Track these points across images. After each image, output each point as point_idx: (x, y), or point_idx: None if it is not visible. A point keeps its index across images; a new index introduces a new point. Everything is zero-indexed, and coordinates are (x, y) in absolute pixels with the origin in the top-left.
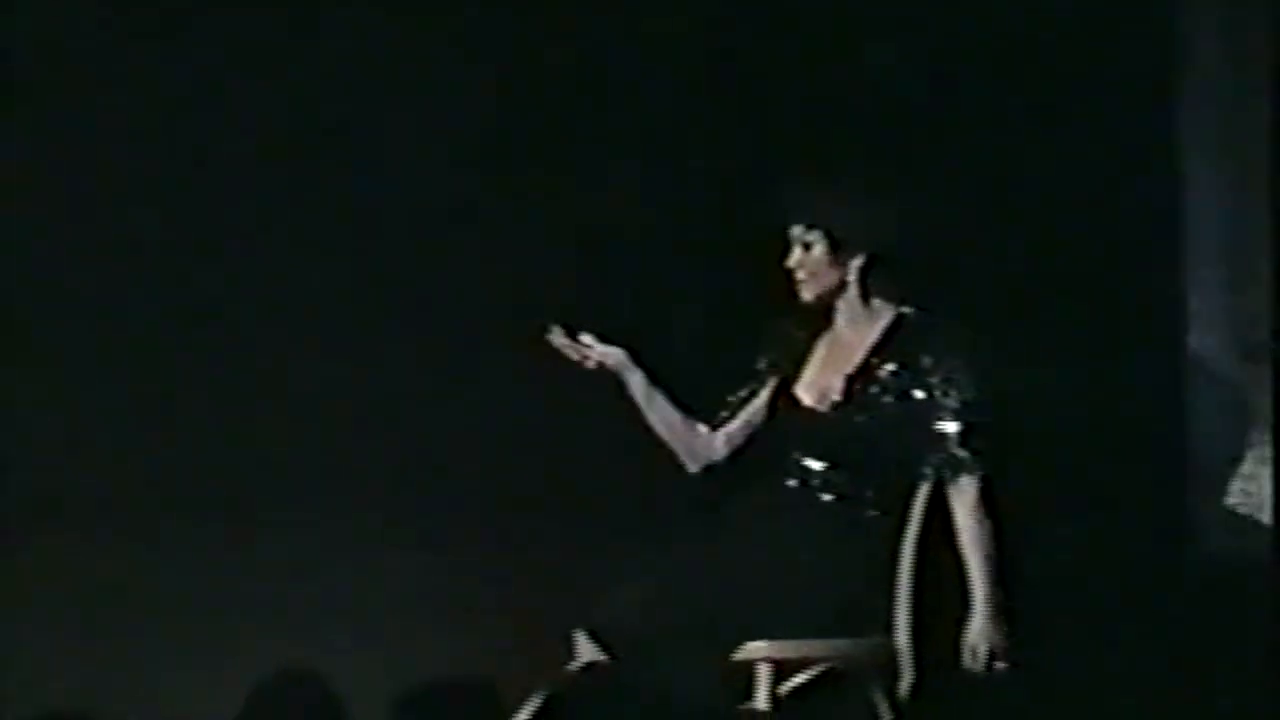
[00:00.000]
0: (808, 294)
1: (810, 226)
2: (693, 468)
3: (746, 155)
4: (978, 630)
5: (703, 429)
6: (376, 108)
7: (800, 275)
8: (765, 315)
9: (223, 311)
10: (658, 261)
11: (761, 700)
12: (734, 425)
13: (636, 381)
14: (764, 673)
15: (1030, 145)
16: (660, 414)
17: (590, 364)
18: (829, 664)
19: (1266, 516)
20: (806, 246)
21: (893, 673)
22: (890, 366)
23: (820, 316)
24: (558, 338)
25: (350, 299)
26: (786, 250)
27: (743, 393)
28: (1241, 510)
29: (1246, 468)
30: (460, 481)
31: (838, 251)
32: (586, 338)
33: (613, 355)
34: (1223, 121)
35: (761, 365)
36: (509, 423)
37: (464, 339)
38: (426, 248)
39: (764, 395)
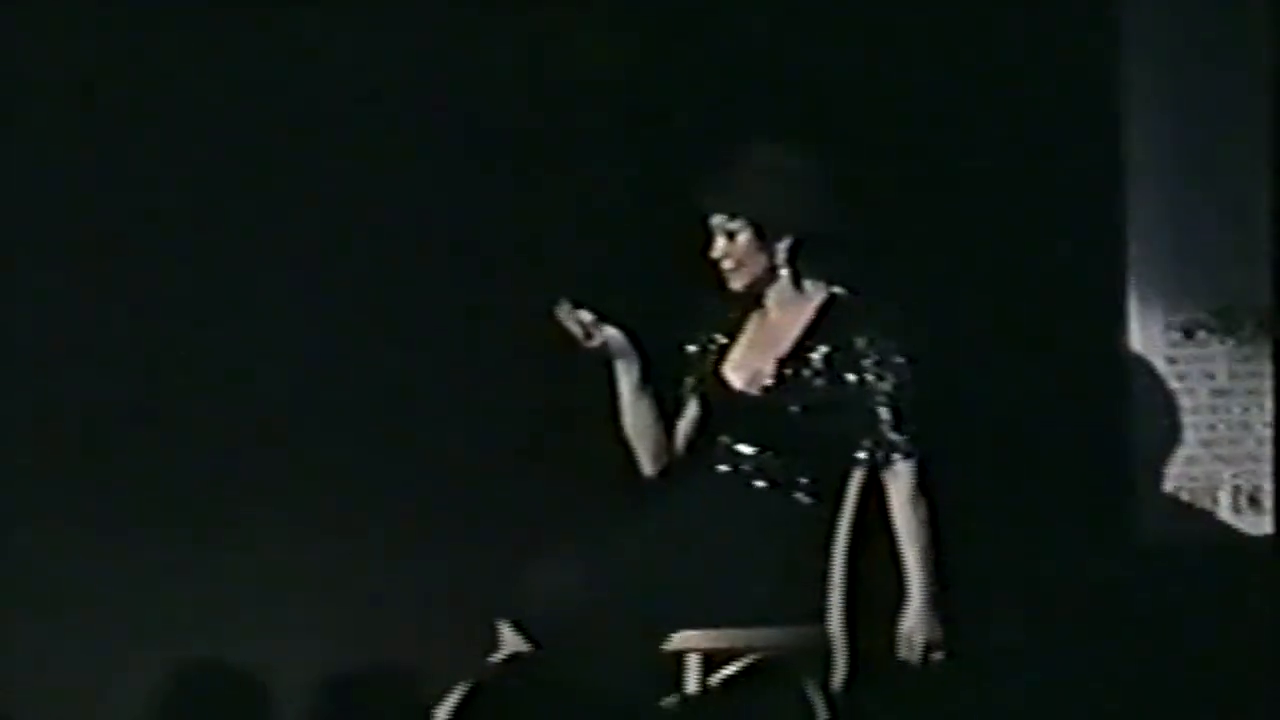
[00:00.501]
0: (737, 283)
1: (733, 215)
2: (649, 471)
3: (665, 144)
4: (913, 620)
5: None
6: (313, 105)
7: (727, 265)
8: (694, 300)
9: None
10: (582, 253)
11: (690, 692)
12: (687, 420)
13: (632, 371)
14: (694, 663)
15: (963, 121)
16: (639, 412)
17: (593, 343)
18: (761, 654)
19: (1223, 500)
20: (730, 235)
21: (826, 663)
22: (823, 349)
23: (751, 300)
24: (564, 311)
25: (273, 289)
26: (710, 241)
27: (691, 381)
28: (1183, 495)
29: (1188, 450)
30: (385, 468)
31: (763, 238)
32: (588, 315)
33: (616, 338)
34: (1164, 100)
35: (692, 349)
36: (434, 409)
37: (387, 325)
38: (353, 236)
39: (693, 380)
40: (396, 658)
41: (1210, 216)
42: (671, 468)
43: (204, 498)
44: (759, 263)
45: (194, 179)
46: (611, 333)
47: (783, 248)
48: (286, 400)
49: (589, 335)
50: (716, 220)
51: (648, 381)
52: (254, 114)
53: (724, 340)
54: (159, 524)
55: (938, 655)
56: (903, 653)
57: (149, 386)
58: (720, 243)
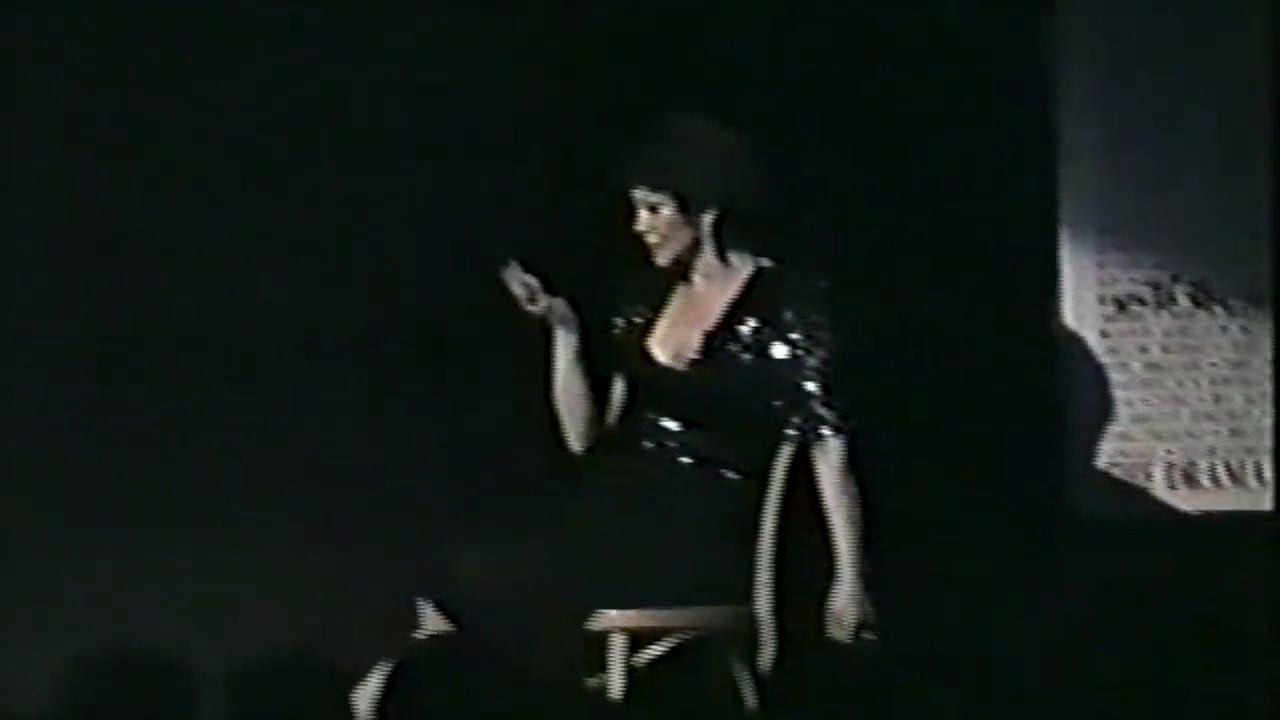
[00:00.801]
0: (662, 258)
1: (655, 188)
2: (576, 447)
3: (586, 116)
4: (843, 598)
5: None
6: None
7: (651, 239)
8: (619, 275)
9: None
10: (504, 228)
11: (616, 672)
12: (614, 396)
13: (571, 342)
14: (618, 643)
15: (892, 93)
16: (571, 386)
17: (536, 309)
18: (687, 634)
19: (1157, 476)
20: (653, 209)
21: (754, 643)
22: (751, 323)
23: (677, 274)
24: (511, 273)
25: (184, 282)
26: (633, 214)
27: (617, 356)
28: (1116, 472)
29: (1121, 426)
30: (306, 445)
31: (687, 210)
32: (535, 280)
33: (560, 306)
34: (1096, 70)
35: (617, 322)
36: (357, 385)
37: (306, 302)
38: (271, 215)
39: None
40: (317, 639)
41: (1145, 188)
42: (598, 444)
43: (130, 486)
44: (683, 236)
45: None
46: (556, 300)
47: (707, 220)
48: (207, 381)
49: (533, 299)
50: (639, 194)
51: (585, 355)
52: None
53: (649, 315)
54: (84, 512)
55: (868, 635)
56: (833, 632)
57: (78, 380)
58: (644, 216)
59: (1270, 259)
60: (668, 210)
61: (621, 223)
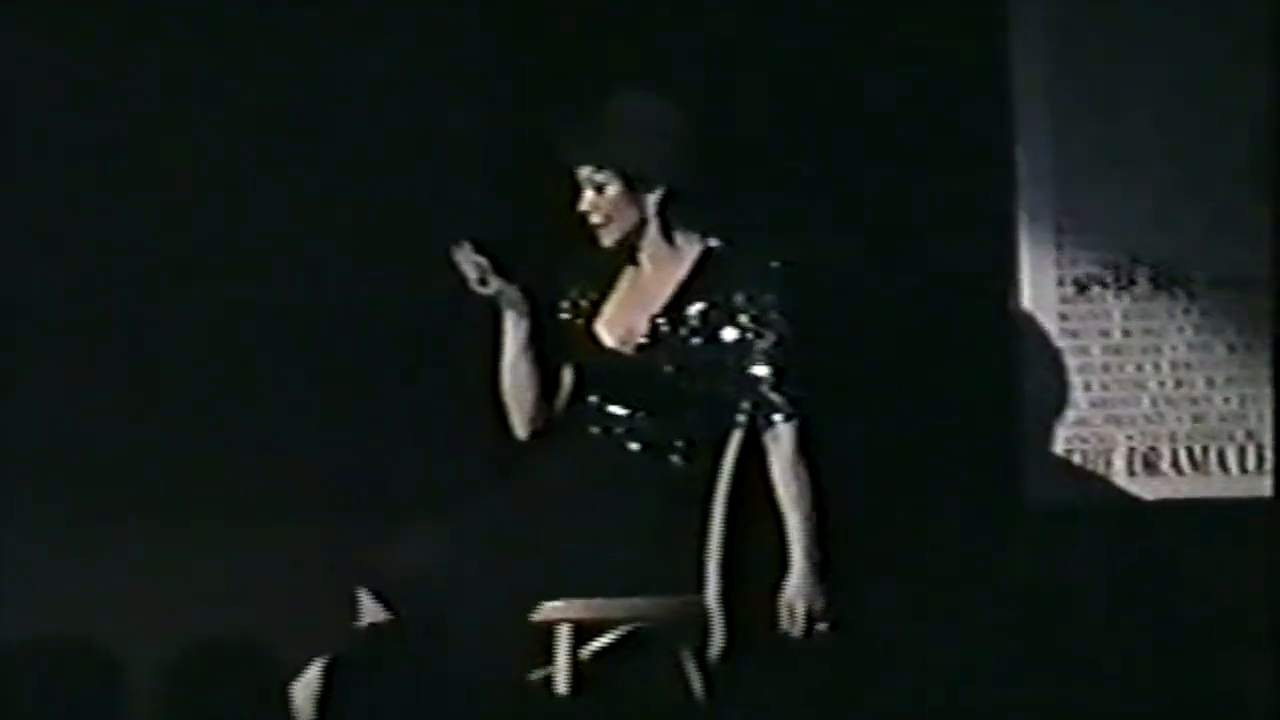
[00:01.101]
0: (608, 239)
1: (599, 166)
2: (522, 434)
3: (530, 94)
4: (795, 589)
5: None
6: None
7: (596, 219)
8: (564, 257)
9: None
10: (444, 209)
11: (561, 664)
12: (563, 385)
13: (520, 328)
14: (564, 635)
15: (844, 68)
16: (520, 373)
17: (487, 290)
18: (634, 625)
19: (1118, 462)
20: (599, 188)
21: (703, 634)
22: (699, 305)
23: (624, 256)
24: (462, 253)
25: (117, 266)
26: (577, 194)
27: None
28: (1075, 457)
29: (1079, 411)
30: (243, 433)
31: (633, 189)
32: (486, 260)
33: (510, 292)
34: (1054, 49)
35: (563, 305)
36: (295, 370)
37: (239, 286)
38: (196, 196)
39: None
40: (254, 631)
41: (1105, 166)
42: (545, 431)
43: (57, 473)
44: (629, 216)
45: None
46: (508, 285)
47: (652, 200)
48: (143, 370)
49: (483, 280)
50: (584, 172)
51: (535, 341)
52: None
53: (596, 298)
54: (15, 505)
55: (821, 626)
56: (784, 624)
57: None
58: (588, 195)
59: (1233, 240)
60: (613, 189)
61: (568, 204)
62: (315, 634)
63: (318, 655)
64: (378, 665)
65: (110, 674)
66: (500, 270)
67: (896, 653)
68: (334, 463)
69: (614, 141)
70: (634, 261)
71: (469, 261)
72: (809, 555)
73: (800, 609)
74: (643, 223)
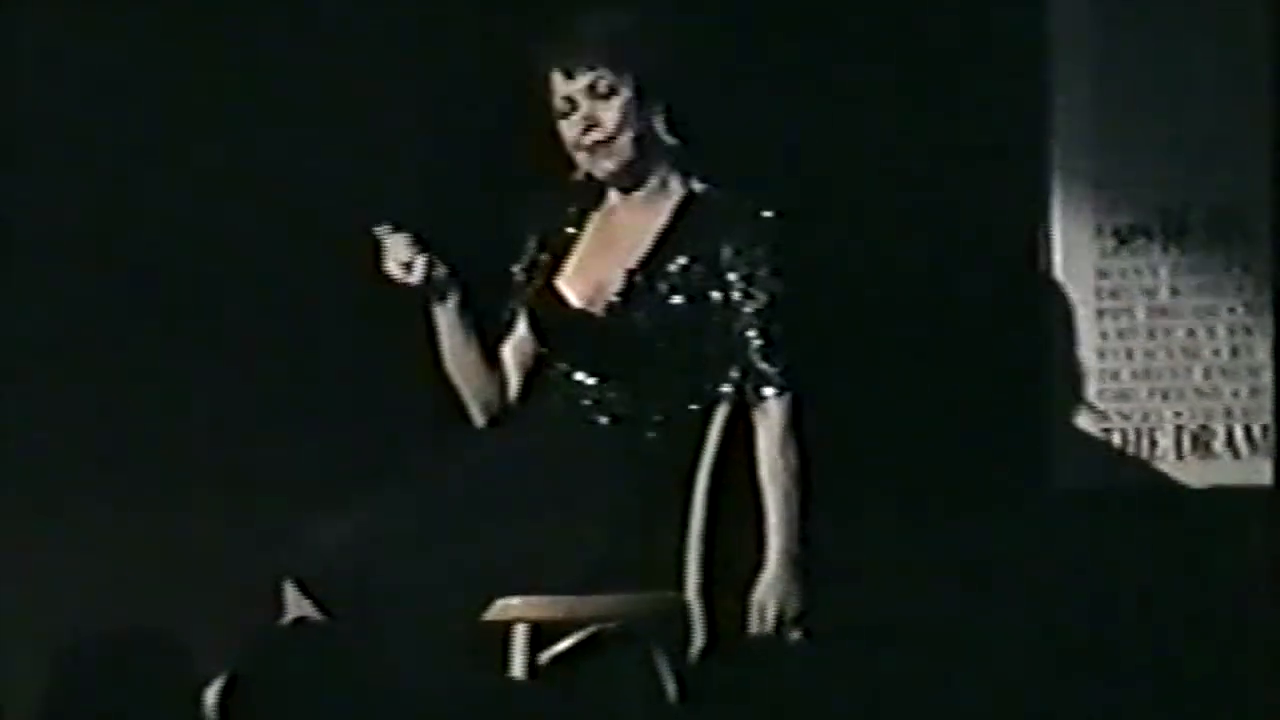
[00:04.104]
0: (605, 165)
1: (599, 66)
2: (480, 421)
3: None
4: (767, 587)
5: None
6: None
7: (595, 136)
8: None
9: None
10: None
11: (517, 669)
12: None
13: (449, 306)
14: (520, 636)
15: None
16: (463, 354)
17: (412, 277)
18: (602, 625)
19: (1164, 443)
20: (606, 94)
21: (681, 634)
22: (681, 259)
23: (591, 195)
24: (386, 232)
25: (52, 248)
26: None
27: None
28: (1115, 437)
29: (1120, 383)
30: (175, 417)
31: (643, 102)
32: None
33: (437, 278)
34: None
35: (527, 254)
36: (228, 346)
37: (171, 257)
38: (111, 176)
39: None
40: (173, 627)
41: (1149, 97)
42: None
43: None
44: (629, 138)
45: None
46: (436, 270)
47: (661, 118)
48: (66, 350)
49: (408, 268)
50: (584, 78)
51: (472, 321)
52: None
53: (557, 249)
54: None
55: (793, 630)
56: (753, 625)
57: None
58: (586, 106)
59: None
60: (624, 96)
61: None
62: (235, 631)
63: (234, 653)
64: (304, 668)
65: (13, 670)
66: (424, 248)
67: (904, 657)
68: (266, 443)
69: (622, 41)
70: (601, 202)
71: (392, 256)
72: (787, 549)
73: (771, 610)
74: (640, 149)
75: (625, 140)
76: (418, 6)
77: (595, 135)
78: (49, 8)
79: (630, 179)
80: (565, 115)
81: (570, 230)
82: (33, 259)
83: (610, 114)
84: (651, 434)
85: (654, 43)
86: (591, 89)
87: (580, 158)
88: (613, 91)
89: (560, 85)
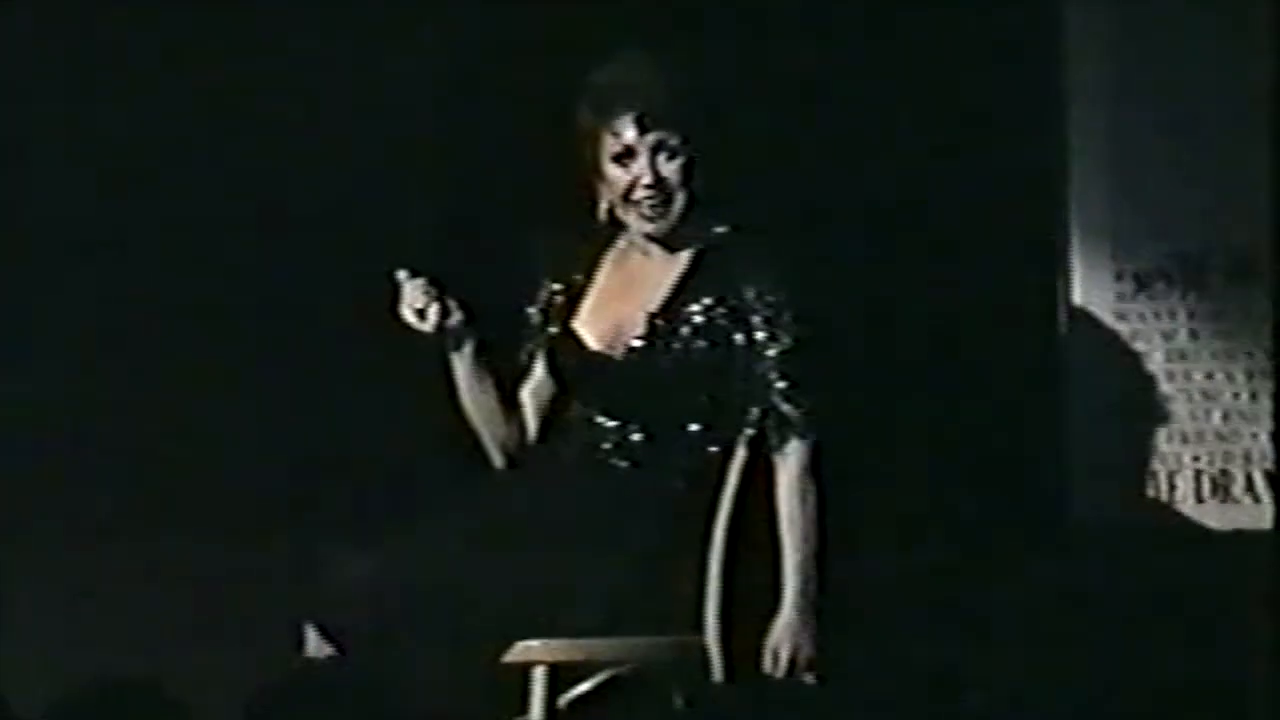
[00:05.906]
0: (659, 224)
1: (680, 132)
2: (499, 463)
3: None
4: (782, 631)
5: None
6: None
7: (648, 194)
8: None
9: None
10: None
11: (536, 712)
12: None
13: (465, 353)
14: (540, 678)
15: (882, 40)
16: (480, 399)
17: (425, 324)
18: (621, 668)
19: (1183, 487)
20: (671, 154)
21: (700, 678)
22: (704, 301)
23: (604, 236)
24: (405, 277)
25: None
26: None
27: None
28: (1133, 482)
29: (1139, 427)
30: (193, 454)
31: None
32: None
33: (454, 316)
34: (1108, 33)
35: (543, 296)
36: (249, 387)
37: (185, 295)
38: (127, 199)
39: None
40: (190, 664)
41: (1166, 144)
42: (526, 459)
43: None
44: (684, 199)
45: None
46: (450, 318)
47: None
48: (79, 383)
49: (422, 315)
50: (658, 133)
51: (489, 365)
52: None
53: (574, 291)
54: None
55: (808, 676)
56: (767, 668)
57: None
58: (648, 163)
59: None
60: (681, 160)
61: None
62: (251, 671)
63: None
64: (319, 709)
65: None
66: (439, 294)
67: (920, 703)
68: (287, 483)
69: (684, 97)
70: (615, 243)
71: (408, 304)
72: (803, 593)
73: (785, 655)
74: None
75: (681, 199)
76: (442, 51)
77: (651, 192)
78: (49, 7)
79: (668, 231)
80: (619, 163)
81: (579, 275)
82: (49, 340)
83: (673, 173)
84: (670, 476)
85: (708, 103)
86: (659, 145)
87: (622, 208)
88: (677, 151)
89: (627, 134)
